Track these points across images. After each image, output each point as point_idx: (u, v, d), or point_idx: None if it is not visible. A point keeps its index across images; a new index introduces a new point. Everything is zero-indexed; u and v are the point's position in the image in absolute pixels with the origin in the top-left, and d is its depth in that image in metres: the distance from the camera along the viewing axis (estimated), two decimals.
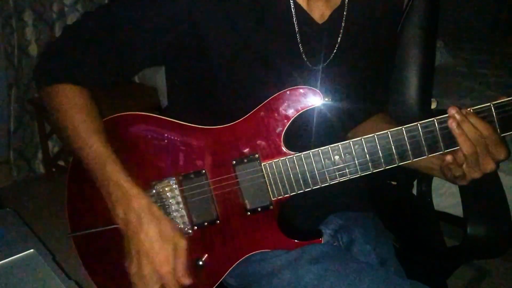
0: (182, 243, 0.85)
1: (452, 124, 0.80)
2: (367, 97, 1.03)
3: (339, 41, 0.92)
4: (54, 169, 2.70)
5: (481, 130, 0.80)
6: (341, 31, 0.92)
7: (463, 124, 0.80)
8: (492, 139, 0.80)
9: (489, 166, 0.82)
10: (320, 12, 0.90)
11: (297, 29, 0.88)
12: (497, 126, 0.81)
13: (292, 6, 0.87)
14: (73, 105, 0.88)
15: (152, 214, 0.83)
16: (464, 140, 0.80)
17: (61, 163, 2.71)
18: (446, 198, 1.88)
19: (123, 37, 0.86)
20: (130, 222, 0.83)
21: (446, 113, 0.82)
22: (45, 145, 2.65)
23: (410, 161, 0.84)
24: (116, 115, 0.92)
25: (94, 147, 0.85)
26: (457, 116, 0.80)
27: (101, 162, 0.84)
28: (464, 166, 0.83)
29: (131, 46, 0.87)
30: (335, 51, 0.92)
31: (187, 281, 0.85)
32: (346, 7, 0.91)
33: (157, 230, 0.82)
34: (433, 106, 1.32)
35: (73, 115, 0.87)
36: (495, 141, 0.81)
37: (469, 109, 0.81)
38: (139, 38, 0.86)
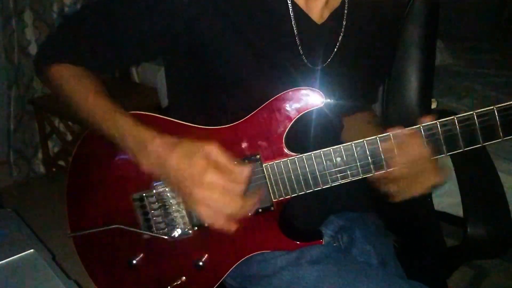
0: (207, 147, 0.76)
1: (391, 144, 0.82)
2: (362, 95, 1.03)
3: (339, 41, 0.92)
4: (54, 169, 2.70)
5: (417, 154, 0.81)
6: (342, 32, 0.92)
7: (402, 145, 0.81)
8: (426, 165, 0.82)
9: (419, 190, 0.85)
10: (319, 13, 0.90)
11: (295, 30, 0.88)
12: (500, 129, 0.81)
13: (290, 7, 0.87)
14: (75, 78, 0.89)
15: (168, 147, 0.79)
16: (397, 162, 0.82)
17: (61, 163, 2.71)
18: (446, 198, 1.88)
19: (119, 31, 0.87)
20: (155, 166, 0.80)
21: (446, 114, 0.82)
22: (45, 145, 2.65)
23: None
24: None
25: (103, 106, 0.85)
26: (396, 137, 0.81)
27: (111, 118, 0.84)
28: (394, 185, 0.86)
29: (126, 40, 0.88)
30: (335, 51, 0.92)
31: (246, 171, 0.76)
32: (346, 8, 0.91)
33: (178, 156, 0.77)
34: (433, 106, 1.32)
35: (79, 87, 0.88)
36: (429, 167, 0.83)
37: (413, 128, 0.82)
38: (134, 33, 0.87)
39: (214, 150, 0.76)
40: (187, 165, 0.75)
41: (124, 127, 0.83)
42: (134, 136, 0.83)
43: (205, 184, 0.74)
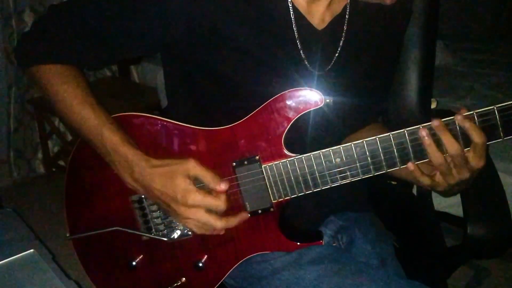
0: (186, 165, 0.82)
1: (421, 133, 0.80)
2: (367, 103, 1.02)
3: (340, 47, 0.91)
4: (54, 169, 2.70)
5: (474, 139, 0.79)
6: (342, 38, 0.91)
7: (443, 134, 0.79)
8: (479, 148, 0.80)
9: (464, 175, 0.83)
10: (320, 18, 0.89)
11: (296, 35, 0.87)
12: (501, 129, 0.81)
13: (291, 12, 0.86)
14: (61, 83, 0.88)
15: (151, 170, 0.83)
16: (434, 151, 0.80)
17: (61, 163, 2.71)
18: (446, 198, 1.88)
19: (110, 27, 0.86)
20: (139, 186, 0.85)
21: (446, 114, 0.81)
22: (45, 145, 2.65)
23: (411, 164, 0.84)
24: (115, 115, 0.91)
25: (90, 119, 0.86)
26: (440, 126, 0.79)
27: (98, 133, 0.85)
28: (437, 175, 0.85)
29: (118, 38, 0.87)
30: (336, 56, 0.91)
31: (223, 186, 0.83)
32: (347, 15, 0.90)
33: (161, 179, 0.82)
34: (433, 106, 1.32)
35: (63, 92, 0.87)
36: (480, 152, 0.81)
37: (465, 114, 0.80)
38: (128, 32, 0.86)
39: (192, 166, 0.81)
40: (170, 188, 0.81)
41: (109, 144, 0.84)
42: (120, 156, 0.84)
43: (189, 205, 0.81)
